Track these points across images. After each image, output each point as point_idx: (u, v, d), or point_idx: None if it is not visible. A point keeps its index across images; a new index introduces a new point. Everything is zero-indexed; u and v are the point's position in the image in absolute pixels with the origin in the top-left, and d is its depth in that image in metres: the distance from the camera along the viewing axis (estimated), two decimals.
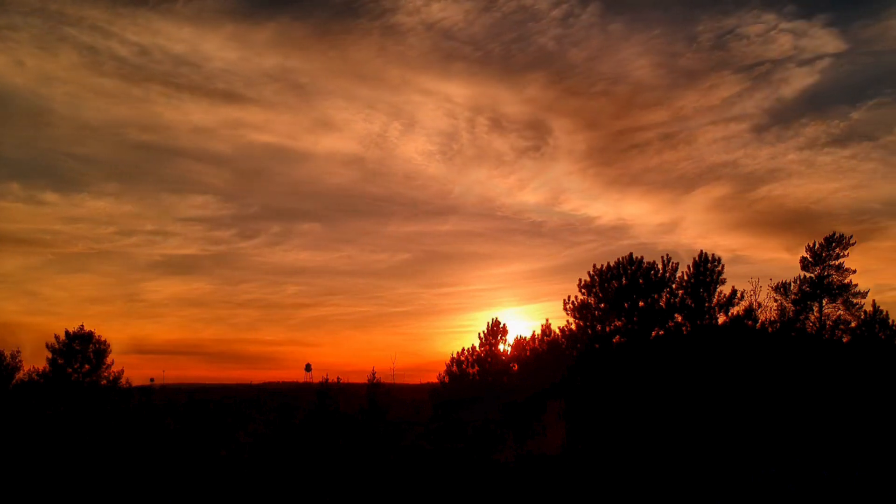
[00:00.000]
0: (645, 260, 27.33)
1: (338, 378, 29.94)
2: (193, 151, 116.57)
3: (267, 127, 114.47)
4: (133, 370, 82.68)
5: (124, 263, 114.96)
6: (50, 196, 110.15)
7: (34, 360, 32.64)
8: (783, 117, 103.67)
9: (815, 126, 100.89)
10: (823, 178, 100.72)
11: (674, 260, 27.26)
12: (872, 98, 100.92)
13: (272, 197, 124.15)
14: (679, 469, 17.05)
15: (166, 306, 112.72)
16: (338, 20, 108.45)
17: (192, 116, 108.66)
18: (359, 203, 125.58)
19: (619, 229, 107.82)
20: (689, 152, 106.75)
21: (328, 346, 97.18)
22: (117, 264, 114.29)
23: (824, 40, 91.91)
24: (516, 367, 31.11)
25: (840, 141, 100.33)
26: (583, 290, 27.79)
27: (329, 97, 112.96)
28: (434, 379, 33.61)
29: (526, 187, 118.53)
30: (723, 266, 26.67)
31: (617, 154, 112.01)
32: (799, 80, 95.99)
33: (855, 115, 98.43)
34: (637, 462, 18.45)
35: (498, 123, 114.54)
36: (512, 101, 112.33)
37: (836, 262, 27.00)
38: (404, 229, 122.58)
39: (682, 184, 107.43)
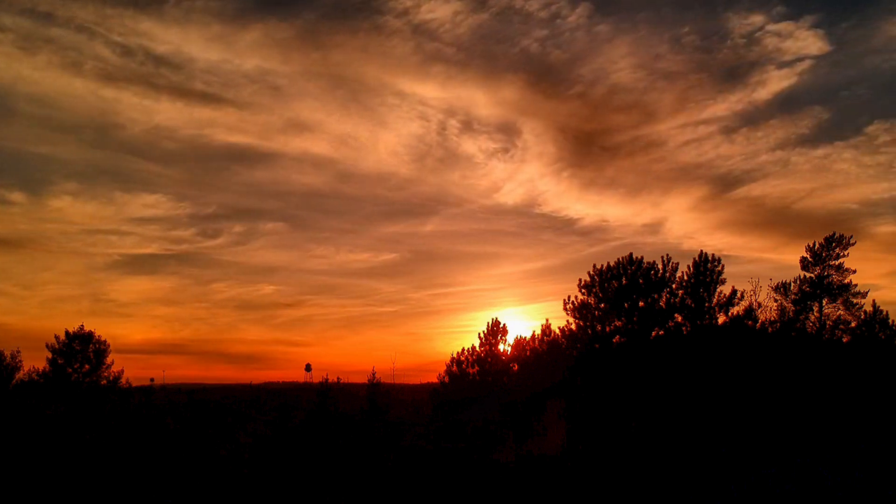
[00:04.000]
0: (644, 260, 27.37)
1: (338, 378, 30.00)
2: (149, 151, 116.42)
3: (239, 127, 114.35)
4: (170, 370, 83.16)
5: (202, 265, 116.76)
6: (120, 197, 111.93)
7: None
8: (753, 119, 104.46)
9: (786, 128, 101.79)
10: (799, 179, 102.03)
11: (671, 261, 27.27)
12: (847, 99, 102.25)
13: (340, 198, 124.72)
14: (679, 469, 17.04)
15: (223, 307, 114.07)
16: (326, 21, 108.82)
17: (156, 116, 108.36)
18: (408, 203, 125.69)
19: (650, 227, 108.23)
20: (663, 154, 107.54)
21: (335, 347, 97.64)
22: (196, 266, 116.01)
23: (808, 42, 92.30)
24: (516, 367, 31.06)
25: (811, 141, 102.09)
26: (583, 290, 27.77)
27: (304, 98, 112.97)
28: (434, 379, 33.55)
29: (575, 183, 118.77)
30: (723, 266, 26.67)
31: (673, 149, 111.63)
32: (776, 83, 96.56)
33: (826, 115, 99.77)
34: (637, 462, 18.45)
35: (554, 118, 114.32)
36: (486, 103, 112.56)
37: (836, 262, 27.00)
38: (440, 229, 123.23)
39: (726, 181, 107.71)
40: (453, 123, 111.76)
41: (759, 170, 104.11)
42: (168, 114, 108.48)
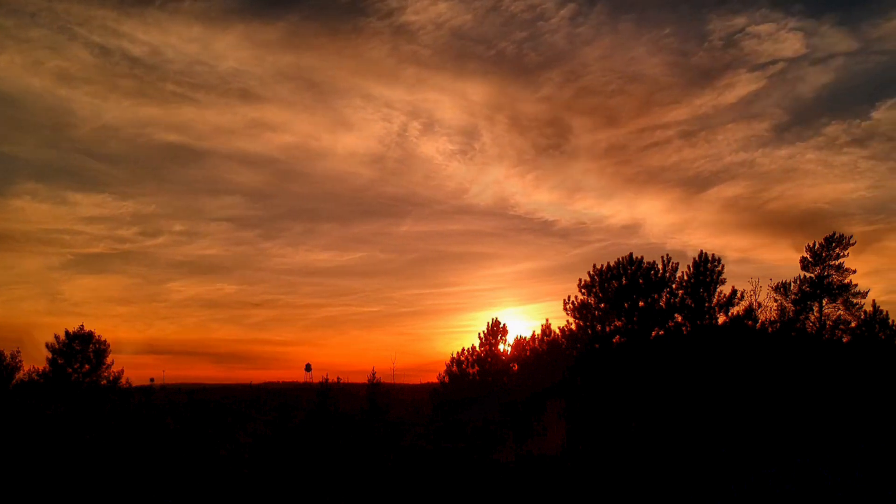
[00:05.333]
0: (647, 260, 27.36)
1: (338, 378, 29.99)
2: (221, 151, 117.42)
3: (192, 127, 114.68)
4: (146, 370, 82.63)
5: (148, 264, 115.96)
6: (72, 196, 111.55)
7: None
8: (712, 123, 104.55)
9: (744, 130, 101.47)
10: (769, 180, 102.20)
11: (681, 260, 27.25)
12: (892, 97, 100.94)
13: (295, 198, 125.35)
14: (679, 469, 17.04)
15: (186, 307, 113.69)
16: (309, 22, 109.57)
17: (105, 115, 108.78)
18: (374, 203, 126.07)
19: (629, 228, 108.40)
20: (627, 157, 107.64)
21: (332, 347, 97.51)
22: (141, 265, 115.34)
23: (786, 44, 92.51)
24: (516, 367, 31.04)
25: (773, 142, 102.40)
26: (583, 290, 27.76)
27: (272, 100, 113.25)
28: (434, 379, 33.53)
29: (542, 186, 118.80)
30: (723, 266, 26.67)
31: (635, 152, 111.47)
32: (744, 86, 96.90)
33: (875, 114, 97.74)
34: (637, 462, 18.45)
35: (517, 121, 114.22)
36: (451, 105, 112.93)
37: (836, 262, 27.00)
38: (415, 229, 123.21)
39: (696, 183, 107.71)
40: (415, 125, 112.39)
41: (727, 171, 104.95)
42: (114, 112, 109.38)
